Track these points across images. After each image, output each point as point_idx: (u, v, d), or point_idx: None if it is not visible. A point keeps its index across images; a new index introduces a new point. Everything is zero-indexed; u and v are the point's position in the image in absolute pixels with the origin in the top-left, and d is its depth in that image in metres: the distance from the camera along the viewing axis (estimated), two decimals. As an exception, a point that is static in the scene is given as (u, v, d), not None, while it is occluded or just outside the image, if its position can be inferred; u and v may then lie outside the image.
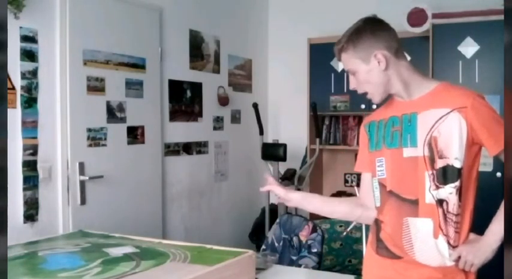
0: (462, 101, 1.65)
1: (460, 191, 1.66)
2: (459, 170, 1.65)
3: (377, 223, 1.82)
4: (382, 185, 1.78)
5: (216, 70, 4.41)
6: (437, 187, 1.66)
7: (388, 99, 1.83)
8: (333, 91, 4.47)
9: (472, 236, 1.71)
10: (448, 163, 1.65)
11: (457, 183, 1.66)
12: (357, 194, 2.03)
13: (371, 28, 1.73)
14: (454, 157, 1.64)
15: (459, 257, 1.67)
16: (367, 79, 1.73)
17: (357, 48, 1.71)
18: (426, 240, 1.69)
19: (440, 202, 1.67)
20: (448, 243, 1.67)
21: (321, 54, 4.46)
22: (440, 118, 1.66)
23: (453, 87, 1.75)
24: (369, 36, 1.71)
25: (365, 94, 1.78)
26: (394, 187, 1.74)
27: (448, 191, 1.66)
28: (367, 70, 1.72)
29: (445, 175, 1.65)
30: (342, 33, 1.75)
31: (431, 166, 1.67)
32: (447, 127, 1.65)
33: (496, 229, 1.62)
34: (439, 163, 1.66)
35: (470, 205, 1.71)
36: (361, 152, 1.93)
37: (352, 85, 1.78)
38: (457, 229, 1.68)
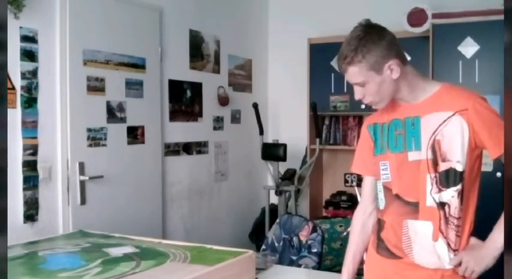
0: (463, 103, 1.65)
1: (461, 195, 1.66)
2: (461, 173, 1.65)
3: (379, 222, 1.83)
4: (386, 189, 1.78)
5: (216, 70, 4.41)
6: (440, 190, 1.66)
7: None
8: (333, 91, 4.47)
9: (473, 240, 1.70)
10: (451, 166, 1.65)
11: (459, 186, 1.65)
12: (358, 196, 2.02)
13: (377, 36, 1.64)
14: (456, 160, 1.64)
15: (459, 263, 1.66)
16: (378, 90, 1.67)
17: (368, 60, 1.63)
18: (425, 243, 1.69)
19: (442, 205, 1.66)
20: (448, 246, 1.67)
21: (321, 54, 4.46)
22: (444, 122, 1.66)
23: (455, 88, 1.74)
24: (378, 46, 1.63)
25: (370, 103, 1.73)
26: (399, 191, 1.74)
27: (450, 195, 1.66)
28: (379, 82, 1.66)
29: (448, 178, 1.65)
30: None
31: (434, 169, 1.67)
32: (450, 130, 1.65)
33: (497, 236, 1.61)
34: (442, 166, 1.66)
35: (471, 209, 1.71)
36: (361, 153, 1.91)
37: (359, 96, 1.72)
38: (458, 232, 1.68)
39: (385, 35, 1.67)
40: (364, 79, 1.66)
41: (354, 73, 1.66)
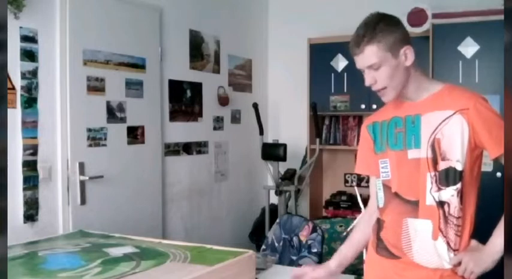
0: (465, 103, 1.65)
1: (461, 194, 1.66)
2: (460, 172, 1.65)
3: (379, 222, 1.82)
4: (386, 187, 1.78)
5: (216, 70, 4.41)
6: (439, 189, 1.66)
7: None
8: (333, 91, 4.47)
9: (474, 243, 1.70)
10: (451, 165, 1.65)
11: (459, 185, 1.65)
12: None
13: (393, 21, 1.69)
14: (456, 159, 1.64)
15: (459, 263, 1.66)
16: (392, 75, 1.66)
17: (387, 40, 1.64)
18: (425, 242, 1.69)
19: (441, 203, 1.66)
20: (448, 245, 1.67)
21: (321, 54, 4.46)
22: (444, 120, 1.66)
23: (457, 89, 1.74)
24: (396, 28, 1.67)
25: (380, 90, 1.70)
26: (398, 189, 1.74)
27: (450, 193, 1.65)
28: (394, 65, 1.66)
29: (447, 177, 1.65)
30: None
31: (433, 168, 1.67)
32: (450, 129, 1.65)
33: (497, 240, 1.60)
34: (442, 165, 1.66)
35: (471, 209, 1.70)
36: (362, 154, 1.91)
37: (370, 81, 1.69)
38: (458, 232, 1.67)
39: (399, 21, 1.71)
40: (380, 61, 1.65)
41: (371, 54, 1.65)
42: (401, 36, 1.67)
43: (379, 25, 1.65)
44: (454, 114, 1.65)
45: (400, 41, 1.66)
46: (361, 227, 1.96)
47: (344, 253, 1.94)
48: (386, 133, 1.78)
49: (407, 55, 1.67)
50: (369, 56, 1.65)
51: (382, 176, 1.78)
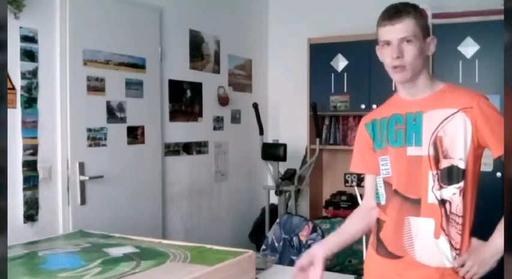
0: (468, 101, 1.65)
1: (463, 193, 1.66)
2: (463, 171, 1.65)
3: (378, 222, 1.82)
4: (387, 184, 1.77)
5: (216, 70, 4.41)
6: (441, 187, 1.66)
7: (388, 96, 1.83)
8: (333, 91, 4.47)
9: (475, 242, 1.69)
10: (453, 163, 1.65)
11: (461, 184, 1.65)
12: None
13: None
14: (459, 157, 1.65)
15: (461, 264, 1.66)
16: (418, 55, 1.67)
17: (422, 21, 1.70)
18: (427, 240, 1.68)
19: (443, 202, 1.66)
20: (450, 243, 1.67)
21: (321, 54, 4.46)
22: (446, 118, 1.66)
23: (458, 88, 1.75)
24: (425, 20, 1.75)
25: (398, 66, 1.67)
26: (398, 186, 1.73)
27: (452, 192, 1.65)
28: (421, 48, 1.68)
29: (450, 176, 1.65)
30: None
31: (435, 166, 1.66)
32: (453, 127, 1.65)
33: (498, 239, 1.60)
34: (444, 163, 1.66)
35: (472, 207, 1.70)
36: (360, 152, 1.91)
37: (398, 53, 1.65)
38: (460, 230, 1.67)
39: None
40: (414, 36, 1.66)
41: (409, 26, 1.66)
42: (427, 27, 1.75)
43: (416, 7, 1.72)
44: (457, 112, 1.65)
45: (428, 30, 1.73)
46: (353, 219, 1.93)
47: (331, 242, 1.91)
48: (386, 130, 1.78)
49: (431, 45, 1.72)
50: (406, 27, 1.66)
51: (383, 174, 1.78)
